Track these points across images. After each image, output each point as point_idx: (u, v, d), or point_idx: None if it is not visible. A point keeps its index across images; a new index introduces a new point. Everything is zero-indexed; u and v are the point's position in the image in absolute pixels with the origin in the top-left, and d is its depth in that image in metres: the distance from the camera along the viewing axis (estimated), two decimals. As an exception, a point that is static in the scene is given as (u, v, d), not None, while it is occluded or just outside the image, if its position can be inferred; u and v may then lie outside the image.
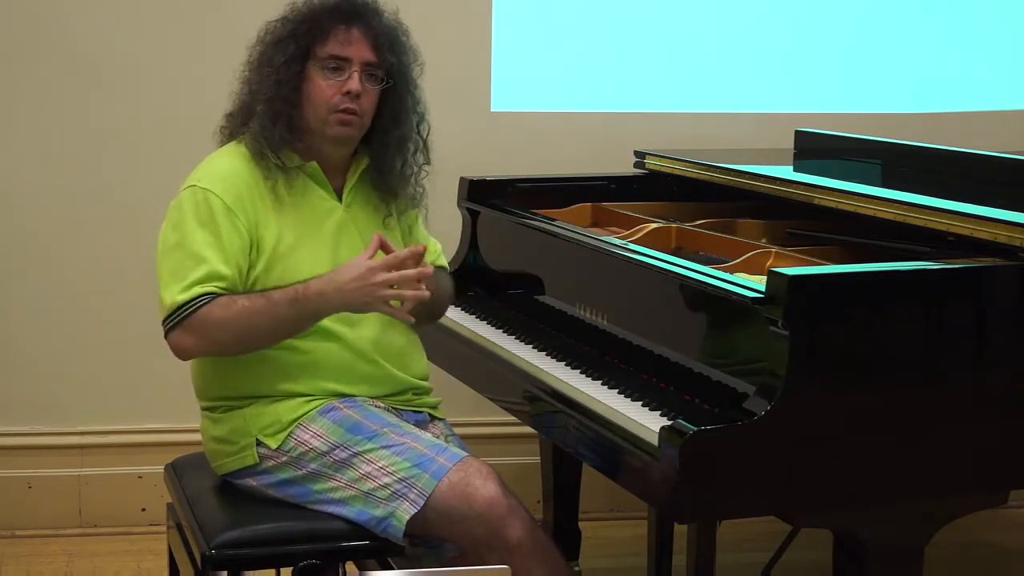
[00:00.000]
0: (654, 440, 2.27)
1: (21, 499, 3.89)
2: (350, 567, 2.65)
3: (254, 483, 2.65)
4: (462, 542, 2.53)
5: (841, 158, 3.52)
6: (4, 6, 3.76)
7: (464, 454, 2.59)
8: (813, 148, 3.63)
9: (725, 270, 2.57)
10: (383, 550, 2.59)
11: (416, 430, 2.65)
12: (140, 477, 3.91)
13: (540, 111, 4.06)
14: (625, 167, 3.64)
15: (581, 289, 2.89)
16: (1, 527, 3.89)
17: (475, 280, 3.37)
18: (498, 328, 3.06)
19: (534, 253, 3.14)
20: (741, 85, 4.16)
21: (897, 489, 2.34)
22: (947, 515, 2.43)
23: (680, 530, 3.02)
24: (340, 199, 2.72)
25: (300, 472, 2.61)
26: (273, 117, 2.63)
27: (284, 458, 2.62)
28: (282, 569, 2.72)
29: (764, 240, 2.99)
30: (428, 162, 2.85)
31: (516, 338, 2.97)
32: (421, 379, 2.79)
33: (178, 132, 3.83)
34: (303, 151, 2.68)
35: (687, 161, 3.42)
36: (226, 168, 2.65)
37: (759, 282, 2.34)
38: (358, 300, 2.52)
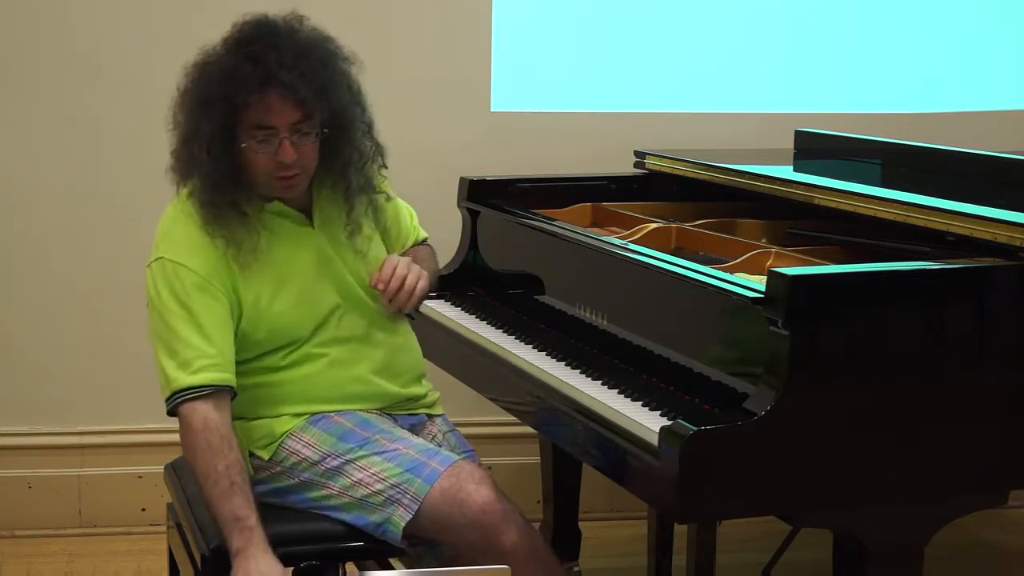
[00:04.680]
0: (654, 440, 2.26)
1: (21, 499, 3.90)
2: (350, 567, 2.66)
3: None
4: (457, 547, 2.52)
5: (841, 158, 3.52)
6: (4, 6, 3.76)
7: (456, 458, 2.58)
8: (813, 148, 3.63)
9: (725, 270, 2.57)
10: (383, 550, 2.59)
11: (408, 435, 2.65)
12: (140, 477, 3.91)
13: (540, 111, 4.06)
14: (625, 167, 3.64)
15: (581, 289, 2.89)
16: (1, 527, 3.89)
17: (475, 280, 3.37)
18: (498, 328, 3.06)
19: (534, 253, 3.14)
20: (741, 85, 4.16)
21: (897, 489, 2.34)
22: (947, 515, 2.43)
23: (680, 530, 3.02)
24: (311, 221, 2.67)
25: (294, 481, 2.61)
26: (214, 187, 2.53)
27: (277, 468, 2.62)
28: (282, 569, 2.72)
29: (764, 240, 2.99)
30: (382, 153, 2.74)
31: (516, 338, 2.97)
32: (416, 383, 2.79)
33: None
34: (258, 194, 2.61)
35: (687, 161, 3.42)
36: (189, 236, 2.57)
37: (759, 282, 2.34)
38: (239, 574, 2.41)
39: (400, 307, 2.72)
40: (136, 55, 3.81)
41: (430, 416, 2.80)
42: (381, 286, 2.68)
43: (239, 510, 2.45)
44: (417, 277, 2.72)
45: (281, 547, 2.54)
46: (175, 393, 2.52)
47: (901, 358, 2.31)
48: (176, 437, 3.78)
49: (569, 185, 3.46)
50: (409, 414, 2.76)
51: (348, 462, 2.57)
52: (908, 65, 4.29)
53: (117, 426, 3.92)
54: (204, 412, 2.50)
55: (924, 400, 2.33)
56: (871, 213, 2.76)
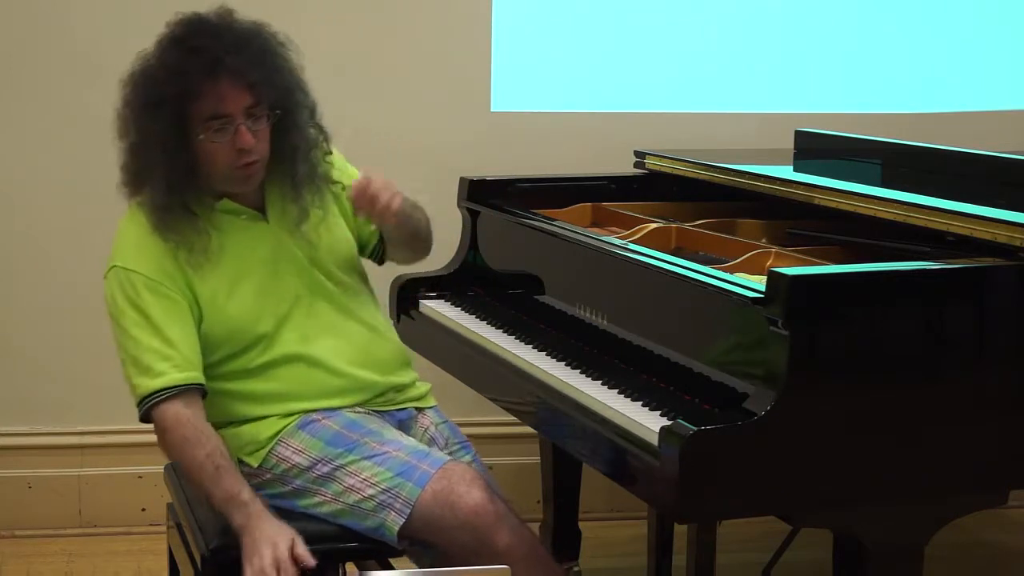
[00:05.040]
0: (654, 440, 2.27)
1: (21, 499, 3.90)
2: (350, 567, 2.65)
3: None
4: (450, 548, 2.51)
5: (841, 158, 3.52)
6: (4, 6, 3.76)
7: (447, 459, 2.58)
8: (813, 148, 3.63)
9: (725, 270, 2.57)
10: (383, 551, 2.59)
11: (398, 435, 2.64)
12: (140, 477, 3.91)
13: (540, 111, 4.06)
14: (625, 167, 3.64)
15: (581, 289, 2.89)
16: (1, 527, 3.89)
17: (475, 280, 3.37)
18: (498, 328, 3.06)
19: (534, 253, 3.14)
20: (741, 85, 4.16)
21: (897, 489, 2.34)
22: (947, 515, 2.43)
23: (680, 530, 3.02)
24: (264, 215, 2.67)
25: (286, 488, 2.61)
26: (167, 189, 2.53)
27: (267, 475, 2.62)
28: (282, 569, 2.72)
29: (764, 240, 2.99)
30: (327, 138, 2.72)
31: (516, 338, 2.97)
32: (400, 371, 2.77)
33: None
34: (209, 192, 2.61)
35: (687, 161, 3.42)
36: (138, 241, 2.57)
37: (759, 282, 2.34)
38: (248, 551, 2.43)
39: (381, 214, 2.64)
40: (136, 55, 3.80)
41: (420, 409, 2.79)
42: (356, 192, 2.63)
43: (230, 488, 2.47)
44: (391, 187, 2.65)
45: (281, 547, 2.54)
46: (142, 400, 2.55)
47: (901, 358, 2.31)
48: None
49: (569, 185, 3.46)
50: (397, 409, 2.75)
51: (339, 468, 2.57)
52: (908, 65, 4.29)
53: (117, 426, 3.91)
54: (174, 411, 2.52)
55: (924, 400, 2.33)
56: (871, 213, 2.76)
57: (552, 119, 4.06)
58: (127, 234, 2.61)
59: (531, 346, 2.90)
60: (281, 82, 2.58)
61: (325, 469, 2.57)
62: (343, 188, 2.76)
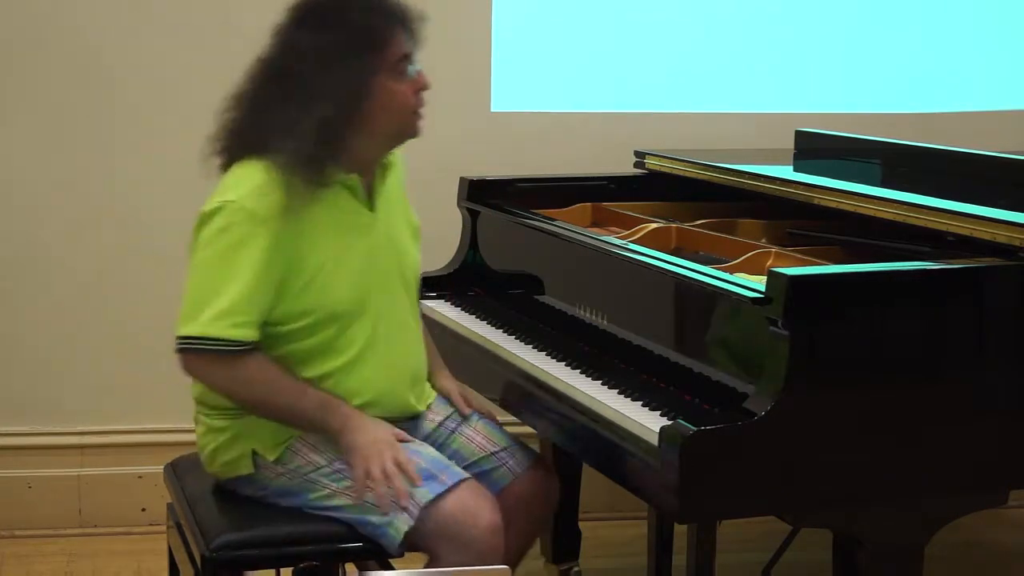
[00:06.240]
0: (654, 440, 2.27)
1: (21, 499, 3.89)
2: (350, 567, 2.65)
3: (249, 491, 2.64)
4: (449, 560, 2.49)
5: (841, 158, 3.52)
6: (4, 6, 3.76)
7: (466, 476, 2.58)
8: (813, 148, 3.63)
9: (725, 270, 2.57)
10: (383, 551, 2.59)
11: (417, 444, 2.63)
12: (140, 477, 3.91)
13: (540, 111, 4.06)
14: (625, 167, 3.64)
15: (581, 289, 2.89)
16: (1, 527, 3.89)
17: (475, 280, 3.37)
18: (498, 328, 3.06)
19: (534, 253, 3.14)
20: (741, 85, 4.16)
21: (897, 489, 2.34)
22: (947, 515, 2.43)
23: (680, 530, 3.02)
24: (372, 208, 2.65)
25: (296, 482, 2.59)
26: (325, 138, 2.49)
27: (280, 470, 2.61)
28: (282, 570, 2.72)
29: (764, 240, 2.99)
30: None
31: (516, 338, 2.97)
32: (428, 394, 2.79)
33: (180, 132, 3.82)
34: (346, 164, 2.58)
35: (687, 161, 3.42)
36: (262, 189, 2.49)
37: (759, 282, 2.34)
38: (363, 453, 2.48)
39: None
40: (137, 55, 3.81)
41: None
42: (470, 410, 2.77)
43: (318, 395, 2.52)
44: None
45: (280, 547, 2.54)
46: (214, 340, 2.47)
47: (901, 358, 2.31)
48: (176, 437, 3.80)
49: (569, 185, 3.46)
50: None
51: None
52: (908, 65, 4.29)
53: (117, 426, 3.92)
54: (242, 361, 2.49)
55: (924, 400, 2.33)
56: (871, 213, 2.77)
57: (552, 119, 4.06)
58: (250, 178, 2.51)
59: (531, 346, 2.90)
60: None
61: (339, 465, 2.56)
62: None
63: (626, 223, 3.14)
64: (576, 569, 3.51)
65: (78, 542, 3.86)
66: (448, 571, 2.43)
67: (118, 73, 3.82)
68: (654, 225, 3.05)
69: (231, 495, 2.66)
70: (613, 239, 2.91)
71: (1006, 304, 2.40)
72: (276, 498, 2.62)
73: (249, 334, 2.49)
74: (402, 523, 2.50)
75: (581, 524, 3.54)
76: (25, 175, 3.83)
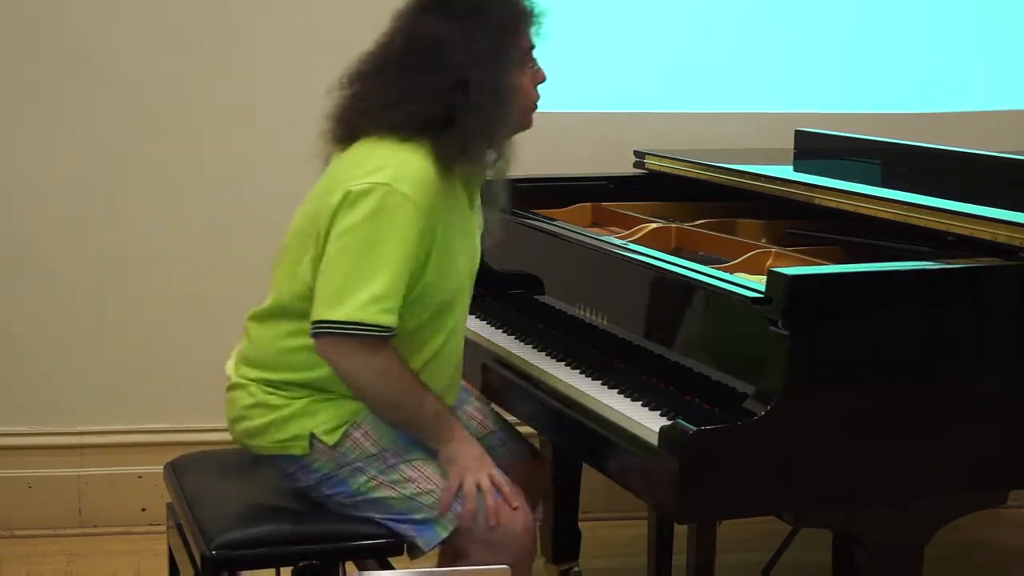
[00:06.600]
0: (654, 440, 2.27)
1: (21, 499, 3.89)
2: (350, 567, 2.65)
3: (290, 470, 2.59)
4: (479, 559, 2.51)
5: (841, 158, 3.52)
6: (4, 6, 3.76)
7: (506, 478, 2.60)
8: (813, 148, 3.63)
9: (725, 270, 2.57)
10: (382, 550, 2.59)
11: None
12: (140, 477, 3.91)
13: (540, 111, 4.05)
14: (625, 167, 3.64)
15: (581, 289, 2.89)
16: (1, 527, 3.88)
17: (475, 280, 3.36)
18: (498, 328, 3.06)
19: (534, 253, 3.14)
20: (741, 85, 4.16)
21: (897, 489, 2.34)
22: (947, 515, 2.43)
23: (680, 530, 3.02)
24: (471, 201, 2.66)
25: (342, 468, 2.56)
26: (491, 133, 2.54)
27: (334, 454, 2.56)
28: (282, 569, 2.72)
29: (764, 240, 2.99)
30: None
31: (516, 338, 2.97)
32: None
33: (180, 132, 3.83)
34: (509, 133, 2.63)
35: (687, 161, 3.42)
36: (422, 176, 2.46)
37: (759, 282, 2.34)
38: (464, 464, 2.53)
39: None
40: (136, 55, 3.81)
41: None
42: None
43: (436, 403, 2.55)
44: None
45: (280, 546, 2.54)
46: (363, 324, 2.42)
47: (901, 358, 2.31)
48: (176, 437, 3.80)
49: (569, 185, 3.46)
50: None
51: (405, 461, 2.55)
52: (908, 65, 4.29)
53: (117, 426, 3.91)
54: (391, 356, 2.48)
55: (924, 400, 2.33)
56: (871, 213, 2.77)
57: (552, 119, 4.04)
58: (410, 163, 2.47)
59: (531, 346, 2.90)
60: None
61: (392, 460, 2.55)
62: None
63: (626, 223, 3.14)
64: (576, 569, 3.51)
65: (78, 542, 3.86)
66: (448, 571, 2.43)
67: (118, 73, 3.82)
68: (654, 225, 3.05)
69: (232, 493, 2.66)
70: (613, 239, 2.91)
71: (1006, 304, 2.40)
72: (315, 483, 2.58)
73: (395, 321, 2.46)
74: (448, 522, 2.51)
75: (581, 524, 3.54)
76: (25, 175, 3.83)
